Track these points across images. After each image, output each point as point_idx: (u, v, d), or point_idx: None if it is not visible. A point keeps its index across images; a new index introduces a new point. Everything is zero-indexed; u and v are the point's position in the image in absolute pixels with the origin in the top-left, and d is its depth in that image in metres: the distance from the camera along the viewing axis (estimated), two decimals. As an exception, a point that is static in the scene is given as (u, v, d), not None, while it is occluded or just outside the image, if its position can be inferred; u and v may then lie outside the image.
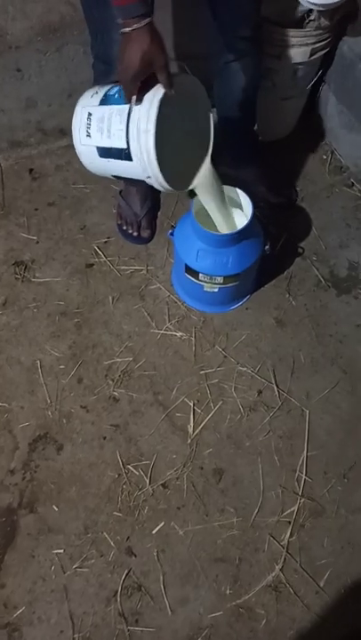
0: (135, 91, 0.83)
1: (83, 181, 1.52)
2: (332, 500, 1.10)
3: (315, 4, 1.13)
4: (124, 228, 1.43)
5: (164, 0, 1.29)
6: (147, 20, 0.77)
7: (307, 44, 1.29)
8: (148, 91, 0.84)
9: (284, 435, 1.17)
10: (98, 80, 1.20)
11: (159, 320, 1.32)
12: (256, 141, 1.46)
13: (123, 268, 1.39)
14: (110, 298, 1.35)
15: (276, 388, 1.22)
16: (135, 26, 0.77)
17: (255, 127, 1.44)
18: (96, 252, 1.42)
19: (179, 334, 1.29)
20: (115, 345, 1.28)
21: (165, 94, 0.84)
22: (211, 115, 1.00)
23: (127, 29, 0.78)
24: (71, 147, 1.54)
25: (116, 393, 1.22)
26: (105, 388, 1.23)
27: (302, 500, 1.10)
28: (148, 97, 0.85)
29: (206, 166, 1.02)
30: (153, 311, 1.33)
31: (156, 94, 0.84)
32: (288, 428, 1.18)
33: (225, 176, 1.47)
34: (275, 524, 1.08)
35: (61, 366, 1.26)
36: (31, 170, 1.56)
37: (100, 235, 1.45)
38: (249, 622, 1.00)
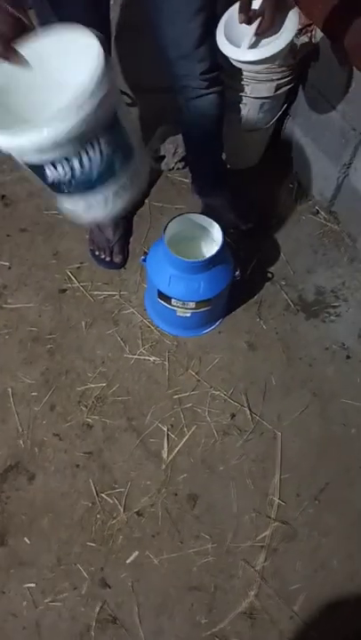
0: None
1: (55, 207, 1.51)
2: (305, 523, 1.12)
3: (241, 62, 1.01)
4: (97, 253, 1.44)
5: (133, 33, 1.33)
6: None
7: (272, 80, 1.35)
8: None
9: (256, 458, 1.18)
10: None
11: (133, 345, 1.32)
12: (224, 170, 1.51)
13: (96, 293, 1.40)
14: (83, 323, 1.35)
15: (248, 411, 1.24)
16: None
17: (223, 156, 1.49)
18: (69, 278, 1.42)
19: (152, 359, 1.30)
20: (88, 370, 1.28)
21: None
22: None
23: None
24: None
25: (89, 419, 1.21)
26: (78, 415, 1.22)
27: (275, 524, 1.11)
28: None
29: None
30: (126, 336, 1.34)
31: None
32: (261, 451, 1.19)
33: (196, 203, 1.52)
34: (249, 548, 1.09)
35: (33, 393, 1.24)
36: (3, 196, 1.56)
37: (73, 260, 1.45)
38: (225, 651, 0.99)
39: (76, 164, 0.72)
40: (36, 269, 1.43)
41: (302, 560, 1.08)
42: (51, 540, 1.08)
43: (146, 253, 1.25)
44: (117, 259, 1.44)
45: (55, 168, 0.73)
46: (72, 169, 0.73)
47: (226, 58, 1.00)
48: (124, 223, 1.48)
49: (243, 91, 1.38)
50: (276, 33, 0.94)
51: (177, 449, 1.18)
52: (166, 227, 1.14)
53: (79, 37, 0.70)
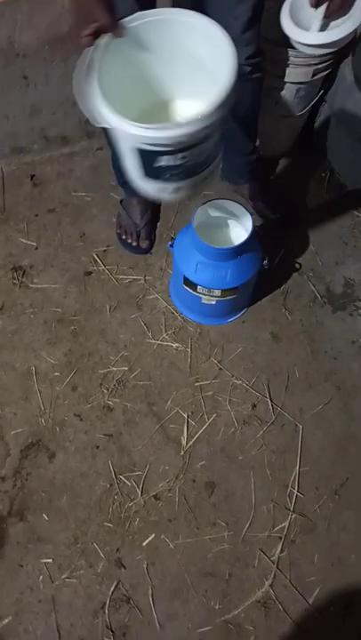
0: (80, 33, 0.70)
1: (84, 189, 1.52)
2: (324, 517, 1.11)
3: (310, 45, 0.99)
4: (124, 237, 1.44)
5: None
6: None
7: (309, 65, 1.32)
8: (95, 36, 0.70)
9: (277, 449, 1.17)
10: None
11: (155, 330, 1.32)
12: (256, 158, 1.48)
13: (121, 277, 1.40)
14: (107, 306, 1.35)
15: (270, 402, 1.23)
16: None
17: (256, 143, 1.46)
18: (95, 261, 1.42)
19: (175, 345, 1.30)
20: (110, 354, 1.28)
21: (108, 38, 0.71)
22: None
23: None
24: (74, 154, 1.59)
25: (110, 402, 1.22)
26: (99, 397, 1.22)
27: (294, 516, 1.10)
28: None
29: None
30: (150, 321, 1.33)
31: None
32: (281, 442, 1.18)
33: (224, 190, 1.50)
34: (266, 539, 1.08)
35: (56, 373, 1.25)
36: (32, 176, 1.56)
37: (100, 243, 1.45)
38: (237, 638, 0.99)
39: (195, 152, 0.71)
40: (63, 251, 1.44)
41: (320, 553, 1.07)
42: (69, 518, 1.09)
43: (173, 239, 1.24)
44: (144, 244, 1.43)
45: (174, 155, 0.71)
46: (188, 157, 0.72)
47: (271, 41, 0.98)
48: (152, 208, 1.47)
49: (279, 75, 1.35)
50: (344, 15, 0.92)
51: (196, 436, 1.18)
52: (196, 212, 1.13)
53: (206, 24, 0.72)
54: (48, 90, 1.41)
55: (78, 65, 0.71)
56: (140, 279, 1.40)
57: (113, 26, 0.72)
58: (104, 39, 0.70)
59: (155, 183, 0.78)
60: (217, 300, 1.21)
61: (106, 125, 0.68)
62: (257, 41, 1.10)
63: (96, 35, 0.71)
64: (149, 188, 0.80)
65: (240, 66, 1.18)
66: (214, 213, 1.19)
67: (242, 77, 1.16)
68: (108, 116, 0.67)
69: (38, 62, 1.34)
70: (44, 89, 1.41)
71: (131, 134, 0.67)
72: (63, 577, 1.03)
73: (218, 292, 1.18)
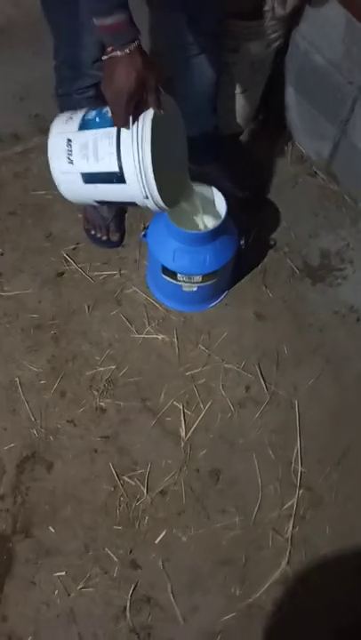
0: (129, 113, 0.81)
1: (43, 187, 1.46)
2: (329, 488, 1.11)
3: None
4: (93, 232, 1.39)
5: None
6: (136, 42, 0.76)
7: (263, 36, 1.29)
8: (139, 112, 0.82)
9: (275, 428, 1.17)
10: (62, 85, 1.15)
11: (139, 324, 1.29)
12: (219, 136, 1.45)
13: (95, 274, 1.35)
14: (86, 306, 1.30)
15: (263, 382, 1.22)
16: (126, 50, 0.75)
17: (216, 120, 1.43)
18: (65, 260, 1.37)
19: (160, 337, 1.27)
20: (95, 354, 1.24)
21: (155, 114, 0.82)
22: (185, 132, 0.99)
23: (117, 54, 0.75)
24: (28, 152, 1.52)
25: (102, 403, 1.19)
26: (90, 400, 1.19)
27: (301, 492, 1.11)
28: (140, 118, 0.84)
29: (188, 180, 1.02)
30: (131, 316, 1.30)
31: (145, 115, 0.83)
32: (279, 421, 1.18)
33: (189, 172, 1.46)
34: (276, 518, 1.08)
35: (42, 381, 1.21)
36: (-13, 179, 1.49)
37: (68, 241, 1.40)
38: (263, 621, 1.00)
39: None
40: (31, 254, 1.38)
41: (330, 525, 1.08)
42: (76, 527, 1.06)
43: (145, 229, 1.20)
44: (115, 237, 1.38)
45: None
46: None
47: None
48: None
49: (232, 50, 1.31)
50: None
51: (194, 426, 1.17)
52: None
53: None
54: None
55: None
56: (115, 274, 1.35)
57: (158, 102, 0.80)
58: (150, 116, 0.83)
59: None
60: (198, 287, 1.19)
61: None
62: (219, 11, 1.07)
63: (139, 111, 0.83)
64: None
65: (201, 36, 1.16)
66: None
67: (200, 49, 1.13)
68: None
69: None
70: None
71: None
72: (79, 587, 1.01)
73: (199, 278, 1.16)
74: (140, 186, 0.87)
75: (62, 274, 1.35)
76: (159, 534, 1.06)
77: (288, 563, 1.04)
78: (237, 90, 1.45)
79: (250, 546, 1.06)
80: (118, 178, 0.88)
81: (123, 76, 0.76)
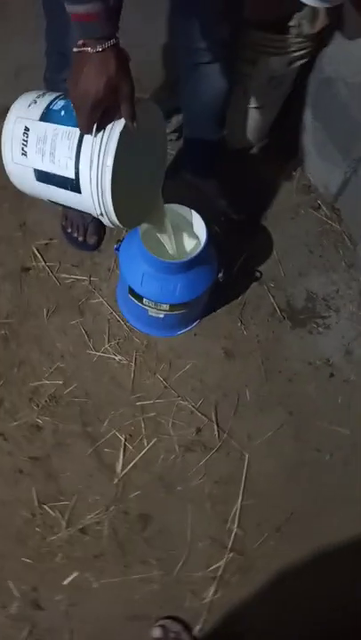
0: (94, 120, 0.69)
1: (28, 171, 1.35)
2: (263, 555, 1.03)
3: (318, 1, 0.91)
4: (69, 230, 1.28)
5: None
6: (111, 41, 0.63)
7: (285, 52, 1.17)
8: (108, 120, 0.71)
9: (219, 480, 1.08)
10: (50, 70, 1.04)
11: (97, 340, 1.19)
12: (222, 151, 1.34)
13: (63, 276, 1.25)
14: (45, 309, 1.21)
15: (216, 426, 1.13)
16: (99, 48, 0.63)
17: (224, 133, 1.32)
18: (34, 255, 1.27)
19: (117, 358, 1.18)
20: (44, 364, 1.15)
21: (125, 126, 0.71)
22: (164, 147, 0.88)
23: (87, 49, 0.63)
24: None
25: (39, 420, 1.10)
26: (28, 414, 1.10)
27: (231, 555, 1.02)
28: (108, 127, 0.72)
29: (159, 201, 0.91)
30: (92, 329, 1.20)
31: (115, 124, 0.71)
32: (225, 472, 1.09)
33: (186, 184, 1.36)
34: (199, 579, 1.00)
35: (-20, 385, 1.12)
36: (-31, 152, 1.38)
37: (42, 235, 1.30)
38: None
39: None
40: (-1, 242, 1.28)
41: (257, 596, 1.00)
42: (-17, 551, 0.98)
43: (120, 241, 1.10)
44: (92, 239, 1.28)
45: None
46: None
47: None
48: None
49: (250, 61, 1.20)
50: None
51: (133, 462, 1.08)
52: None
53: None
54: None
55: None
56: (84, 280, 1.26)
57: (131, 114, 0.70)
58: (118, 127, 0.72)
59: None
60: (165, 314, 1.09)
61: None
62: (235, 18, 0.96)
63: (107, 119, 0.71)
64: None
65: (214, 44, 1.04)
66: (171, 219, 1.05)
67: (212, 57, 1.02)
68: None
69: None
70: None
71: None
72: (-30, 620, 0.93)
73: (166, 307, 1.06)
74: (94, 201, 0.76)
75: (28, 269, 1.25)
76: (70, 575, 0.98)
77: (201, 630, 0.97)
78: (252, 104, 1.33)
79: (165, 604, 0.98)
80: (73, 186, 0.77)
81: (90, 78, 0.65)
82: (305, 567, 1.02)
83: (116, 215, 0.78)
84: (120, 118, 0.71)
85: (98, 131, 0.72)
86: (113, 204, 0.76)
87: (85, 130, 0.71)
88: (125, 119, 0.70)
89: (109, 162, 0.72)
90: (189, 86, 1.13)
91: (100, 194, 0.75)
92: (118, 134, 0.71)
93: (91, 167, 0.73)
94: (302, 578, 1.02)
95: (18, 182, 0.85)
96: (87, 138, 0.73)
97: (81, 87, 0.66)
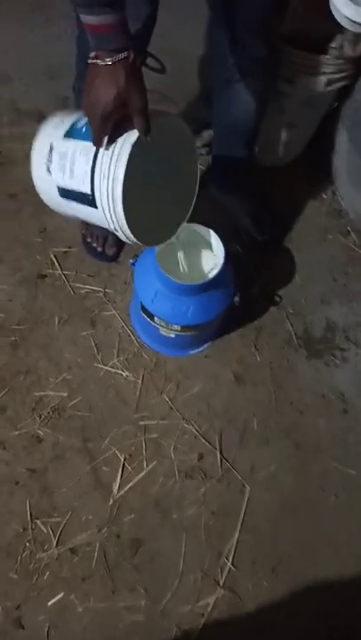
0: (105, 132, 0.69)
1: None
2: (255, 597, 0.99)
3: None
4: (89, 240, 1.27)
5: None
6: (124, 54, 0.62)
7: (324, 73, 1.13)
8: (120, 132, 0.69)
9: (217, 511, 1.05)
10: (79, 81, 1.03)
11: (107, 353, 1.17)
12: (250, 169, 1.30)
13: (78, 285, 1.24)
14: (57, 318, 1.19)
15: (219, 454, 1.09)
16: (108, 60, 0.62)
17: (255, 151, 1.29)
18: (52, 262, 1.26)
19: (125, 374, 1.15)
20: (51, 375, 1.14)
21: (139, 138, 0.69)
22: (197, 164, 0.85)
23: (99, 62, 0.62)
24: None
25: (40, 432, 1.08)
26: (30, 424, 1.08)
27: (222, 592, 0.98)
28: (121, 139, 0.71)
29: (185, 222, 0.89)
30: (102, 342, 1.18)
31: (128, 136, 0.70)
32: (223, 503, 1.05)
33: (211, 199, 1.33)
34: (187, 614, 0.96)
35: (-15, 390, 1.11)
36: (-3, 153, 1.38)
37: (60, 243, 1.28)
38: None
39: None
40: (18, 246, 1.27)
41: (245, 638, 0.96)
42: (-29, 560, 0.97)
43: (137, 256, 1.08)
44: (110, 251, 1.26)
45: None
46: None
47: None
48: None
49: (288, 79, 1.16)
50: None
51: (130, 484, 1.05)
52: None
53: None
54: (21, 57, 1.22)
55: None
56: (99, 291, 1.24)
57: (144, 128, 0.68)
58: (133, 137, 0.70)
59: None
60: (176, 334, 1.06)
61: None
62: (272, 34, 0.93)
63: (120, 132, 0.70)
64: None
65: (250, 62, 1.01)
66: (184, 234, 1.02)
67: (248, 73, 0.99)
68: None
69: (9, 23, 1.14)
70: (16, 56, 1.21)
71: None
72: None
73: (177, 327, 1.03)
74: (106, 215, 0.75)
75: (44, 276, 1.24)
76: (55, 596, 0.95)
77: (184, 669, 0.93)
78: (286, 122, 1.30)
79: (148, 637, 0.94)
80: (90, 201, 0.76)
81: (100, 90, 0.64)
82: (298, 614, 0.97)
83: (132, 231, 0.76)
84: (134, 131, 0.70)
85: (109, 143, 0.70)
86: (126, 219, 0.74)
87: (96, 142, 0.70)
88: (139, 132, 0.69)
89: (120, 174, 0.70)
90: (220, 101, 1.11)
91: (111, 208, 0.73)
92: (130, 147, 0.69)
93: (102, 180, 0.72)
94: (295, 625, 0.97)
95: (46, 199, 0.86)
96: (102, 152, 0.72)
97: (90, 99, 0.65)
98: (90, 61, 0.64)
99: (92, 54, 0.63)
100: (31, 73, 1.27)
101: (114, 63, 0.62)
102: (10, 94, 1.32)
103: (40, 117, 1.39)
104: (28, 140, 0.79)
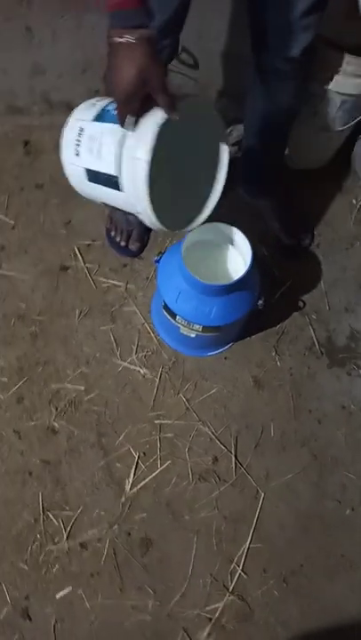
0: (128, 111, 0.68)
1: (81, 169, 1.34)
2: (264, 605, 0.97)
3: None
4: (113, 234, 1.26)
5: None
6: (144, 30, 0.62)
7: (360, 76, 1.10)
8: (144, 111, 0.68)
9: (229, 516, 1.03)
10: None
11: (125, 349, 1.16)
12: (280, 172, 1.28)
13: (100, 279, 1.23)
14: (77, 311, 1.19)
15: (234, 458, 1.08)
16: (128, 37, 0.61)
17: (285, 153, 1.26)
18: (75, 255, 1.25)
19: (143, 371, 1.14)
20: (68, 367, 1.13)
21: (167, 119, 0.68)
22: (226, 148, 0.83)
23: (118, 39, 0.61)
24: None
25: (56, 424, 1.08)
26: (45, 416, 1.08)
27: (230, 598, 0.97)
28: (146, 120, 0.69)
29: (212, 206, 0.87)
30: (121, 337, 1.17)
31: (155, 118, 0.68)
32: (236, 509, 1.04)
33: (239, 201, 1.31)
34: (193, 618, 0.95)
35: (3, 379, 1.11)
36: (26, 142, 1.38)
37: (85, 235, 1.28)
38: None
39: None
40: (42, 237, 1.27)
41: (250, 646, 0.95)
42: (-19, 548, 0.97)
43: (161, 253, 1.07)
44: (134, 246, 1.25)
45: None
46: None
47: None
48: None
49: (323, 81, 1.13)
50: None
51: (143, 482, 1.04)
52: (187, 234, 0.95)
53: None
54: (55, 49, 1.21)
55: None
56: (120, 285, 1.23)
57: (169, 104, 0.67)
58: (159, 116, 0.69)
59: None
60: (197, 334, 1.05)
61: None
62: (314, 33, 0.91)
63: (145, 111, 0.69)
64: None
65: (287, 61, 0.98)
66: (211, 236, 1.01)
67: (286, 73, 0.97)
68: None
69: (45, 14, 1.13)
70: (50, 47, 1.21)
71: None
72: None
73: (199, 328, 1.01)
74: (132, 197, 0.74)
75: (67, 268, 1.24)
76: (63, 589, 0.95)
77: (188, 673, 0.92)
78: (320, 126, 1.27)
79: (154, 637, 0.94)
80: (115, 183, 0.75)
81: (120, 69, 0.63)
82: (306, 627, 0.96)
83: (155, 214, 0.75)
84: (160, 112, 0.69)
85: (135, 124, 0.69)
86: (150, 200, 0.73)
87: (121, 122, 0.69)
88: (164, 110, 0.68)
89: (145, 156, 0.69)
90: (251, 100, 1.09)
91: (136, 189, 0.72)
92: (157, 127, 0.68)
93: (127, 161, 0.71)
94: (297, 635, 0.95)
95: (75, 183, 0.85)
96: (129, 133, 0.71)
97: (114, 79, 0.65)
98: (110, 40, 0.63)
99: (111, 32, 0.62)
100: (64, 65, 1.26)
101: (132, 41, 0.61)
102: (43, 85, 1.31)
103: (70, 109, 1.37)
104: (57, 131, 0.79)
